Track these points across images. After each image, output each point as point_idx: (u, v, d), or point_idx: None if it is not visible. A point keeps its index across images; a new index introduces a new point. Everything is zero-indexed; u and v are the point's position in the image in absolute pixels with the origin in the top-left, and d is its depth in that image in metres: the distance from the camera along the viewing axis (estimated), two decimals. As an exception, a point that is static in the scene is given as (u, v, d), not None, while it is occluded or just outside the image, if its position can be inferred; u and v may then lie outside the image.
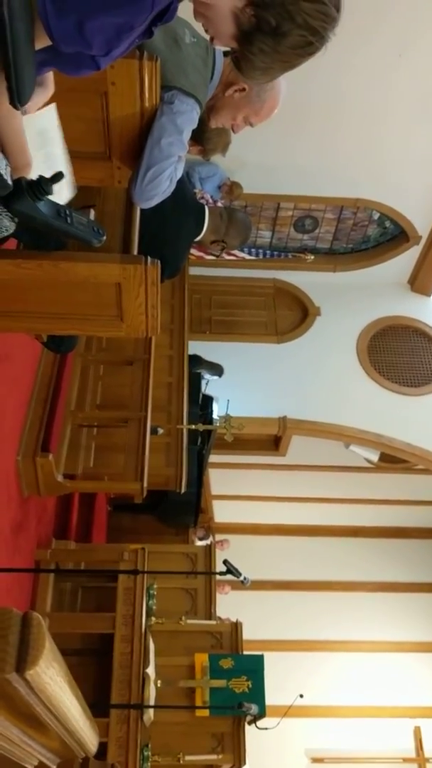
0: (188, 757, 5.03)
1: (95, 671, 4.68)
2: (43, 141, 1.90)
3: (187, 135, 2.23)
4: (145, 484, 4.98)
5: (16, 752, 1.15)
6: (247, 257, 7.92)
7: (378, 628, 9.94)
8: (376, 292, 8.87)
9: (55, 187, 1.62)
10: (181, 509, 7.62)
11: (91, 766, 1.74)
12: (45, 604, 4.88)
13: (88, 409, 5.34)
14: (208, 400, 7.31)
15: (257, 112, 2.35)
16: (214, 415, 7.09)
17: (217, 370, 7.91)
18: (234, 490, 9.97)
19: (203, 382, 7.54)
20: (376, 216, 8.48)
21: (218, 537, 9.58)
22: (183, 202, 2.90)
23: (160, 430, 5.83)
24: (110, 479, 5.06)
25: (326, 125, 6.92)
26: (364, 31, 5.74)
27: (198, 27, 1.69)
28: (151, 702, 4.65)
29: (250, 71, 1.65)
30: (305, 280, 8.97)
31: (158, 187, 2.23)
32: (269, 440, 9.24)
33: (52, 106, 1.93)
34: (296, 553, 10.25)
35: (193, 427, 6.24)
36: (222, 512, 10.31)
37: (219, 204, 6.45)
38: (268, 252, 8.36)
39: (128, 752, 4.33)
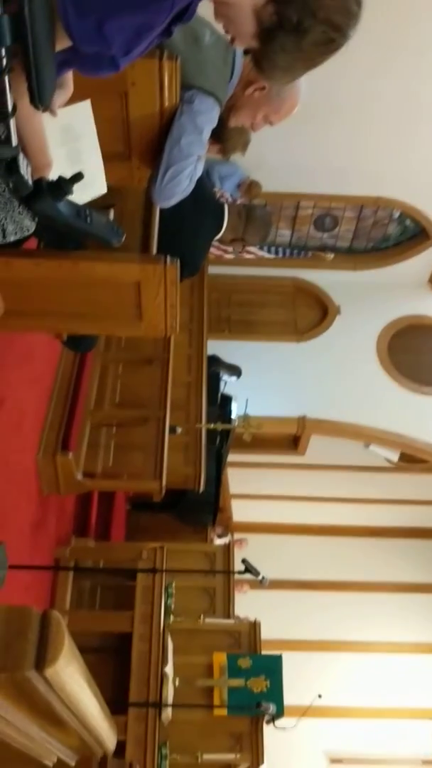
0: (206, 756, 5.04)
1: (114, 669, 4.69)
2: (67, 137, 1.91)
3: (206, 134, 2.24)
4: (164, 483, 4.99)
5: (36, 749, 1.16)
6: (267, 256, 7.91)
7: (398, 629, 9.87)
8: (397, 291, 8.81)
9: (88, 179, 1.62)
10: (199, 508, 7.62)
11: (110, 764, 1.74)
12: (64, 602, 4.91)
13: (107, 408, 5.36)
14: (227, 400, 7.31)
15: (277, 110, 2.34)
16: (233, 415, 7.08)
17: (235, 371, 7.90)
18: (252, 489, 9.96)
19: (222, 382, 7.54)
20: (396, 214, 8.42)
21: (237, 536, 9.57)
22: (202, 201, 2.90)
23: (179, 430, 5.84)
24: (129, 478, 5.07)
25: (347, 124, 6.88)
26: (394, 30, 5.70)
27: (218, 26, 1.68)
28: (170, 700, 4.66)
29: (271, 70, 1.64)
30: (325, 279, 8.93)
31: (178, 186, 2.24)
32: (288, 440, 9.22)
33: (87, 103, 1.94)
34: (315, 553, 10.21)
35: (212, 426, 6.24)
36: (240, 511, 10.30)
37: (238, 203, 6.44)
38: (287, 251, 8.34)
39: (146, 750, 4.34)
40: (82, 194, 1.76)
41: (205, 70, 2.18)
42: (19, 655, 0.78)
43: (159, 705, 4.47)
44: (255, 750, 5.18)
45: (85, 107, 1.95)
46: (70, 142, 1.97)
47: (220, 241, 3.26)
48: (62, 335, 3.23)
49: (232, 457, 8.17)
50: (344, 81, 5.94)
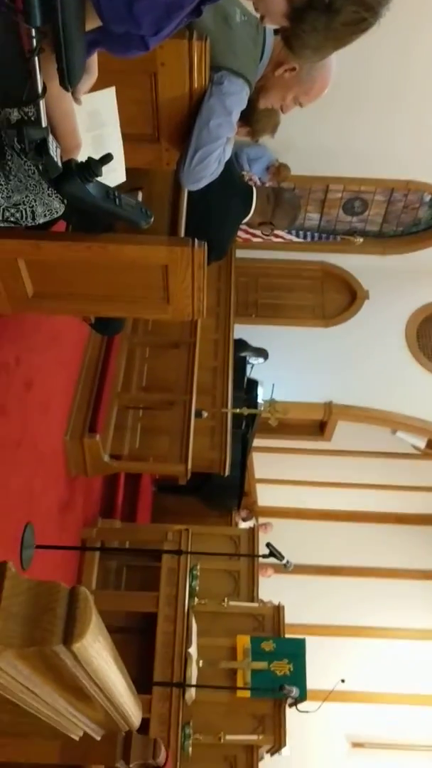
0: (229, 737, 5.09)
1: (138, 649, 4.76)
2: (93, 122, 1.90)
3: (236, 116, 2.21)
4: (189, 467, 5.01)
5: (63, 722, 1.18)
6: (295, 240, 7.85)
7: (421, 616, 9.84)
8: (427, 276, 8.69)
9: (109, 166, 1.62)
10: (224, 492, 7.65)
11: (134, 740, 1.77)
12: (90, 581, 4.98)
13: (134, 392, 5.39)
14: (253, 384, 7.30)
15: (307, 91, 2.31)
16: (259, 400, 7.07)
17: (262, 354, 7.88)
18: (278, 474, 9.96)
19: (248, 366, 7.53)
20: (427, 198, 8.29)
21: (261, 520, 9.60)
22: (231, 184, 2.88)
23: (205, 414, 5.85)
24: (155, 461, 5.11)
25: (378, 106, 6.78)
26: (427, 10, 5.59)
27: (248, 5, 1.67)
28: (193, 681, 4.71)
29: (301, 50, 1.62)
30: (354, 263, 8.84)
31: (206, 168, 2.22)
32: (314, 425, 9.19)
33: (111, 90, 1.93)
34: (340, 538, 10.20)
35: (238, 411, 6.24)
36: (265, 496, 10.32)
37: (267, 186, 6.39)
38: (316, 235, 8.26)
39: (170, 729, 4.40)
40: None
41: (235, 51, 2.15)
42: (47, 629, 0.79)
43: (183, 685, 4.52)
44: (277, 732, 5.22)
45: (110, 94, 1.94)
46: (95, 128, 1.97)
47: (248, 224, 3.24)
48: (90, 318, 3.24)
49: (257, 442, 8.18)
50: (376, 62, 5.85)
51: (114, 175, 2.11)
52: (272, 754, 5.72)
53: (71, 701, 1.08)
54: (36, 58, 1.33)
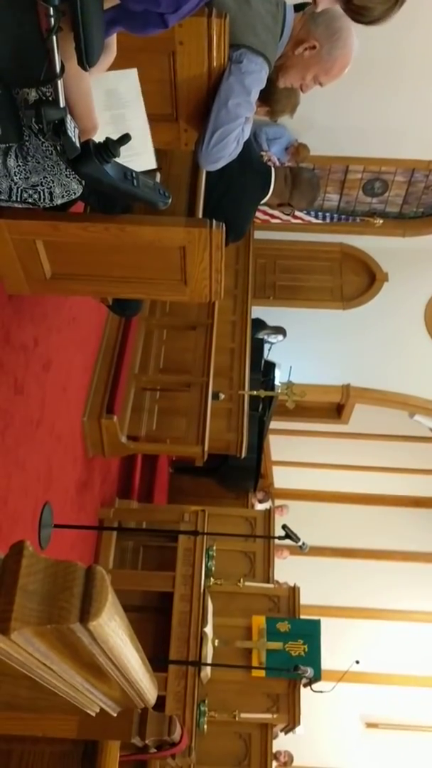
0: (243, 715, 5.16)
1: (154, 628, 4.81)
2: (111, 101, 1.89)
3: (254, 96, 2.19)
4: (206, 448, 5.02)
5: (80, 699, 1.20)
6: (314, 221, 7.78)
7: (437, 599, 9.86)
8: (447, 258, 8.59)
9: (135, 148, 1.61)
10: (241, 474, 7.66)
11: (150, 717, 1.80)
12: (107, 560, 5.03)
13: (151, 373, 5.40)
14: (270, 367, 7.28)
15: (327, 70, 2.27)
16: (276, 382, 7.05)
17: (280, 332, 7.86)
18: (294, 456, 9.97)
19: (266, 348, 7.51)
20: (449, 179, 8.17)
21: (277, 502, 9.63)
22: (249, 164, 2.85)
23: (222, 396, 5.85)
24: (172, 442, 5.12)
25: (400, 84, 6.67)
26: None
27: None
28: (209, 660, 4.76)
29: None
30: (373, 244, 8.75)
31: (225, 149, 2.20)
32: (332, 408, 9.17)
33: (133, 72, 1.91)
34: (356, 521, 10.21)
35: (255, 393, 6.24)
36: (282, 478, 10.34)
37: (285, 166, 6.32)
38: (335, 216, 8.18)
39: (185, 706, 4.46)
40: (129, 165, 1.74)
41: (254, 29, 2.12)
42: (64, 608, 0.80)
43: (198, 664, 4.57)
44: (292, 711, 5.28)
45: (131, 75, 1.92)
46: (114, 108, 1.96)
47: (267, 205, 3.21)
48: (108, 299, 3.25)
49: (274, 424, 8.18)
50: (397, 39, 5.74)
51: (141, 159, 2.09)
52: (286, 733, 5.79)
53: (88, 678, 1.09)
54: (54, 38, 1.32)
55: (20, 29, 1.34)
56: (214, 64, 2.06)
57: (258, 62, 2.13)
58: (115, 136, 1.61)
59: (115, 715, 1.48)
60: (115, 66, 1.81)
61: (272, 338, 7.71)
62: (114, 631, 0.89)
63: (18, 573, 0.81)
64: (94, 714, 1.38)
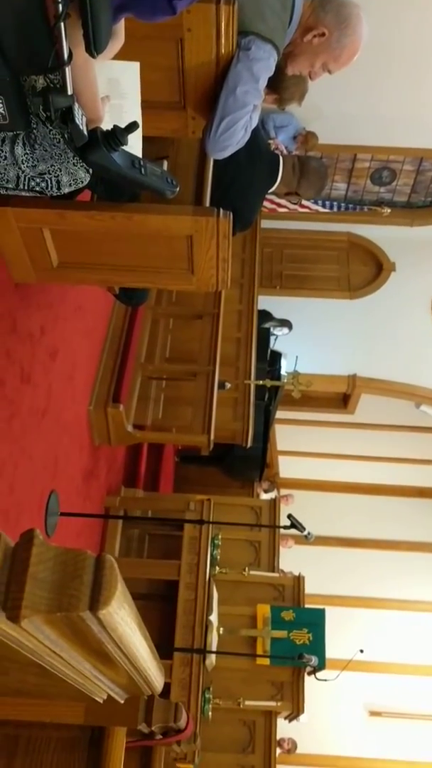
0: (248, 702, 5.19)
1: (160, 616, 4.84)
2: (111, 90, 1.88)
3: (263, 83, 2.17)
4: (212, 437, 5.03)
5: (88, 685, 1.21)
6: (321, 210, 7.74)
7: (442, 589, 9.87)
8: (455, 247, 8.55)
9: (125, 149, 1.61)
10: (246, 463, 7.68)
11: (156, 703, 1.82)
12: (113, 549, 5.06)
13: (157, 362, 5.40)
14: (277, 356, 7.28)
15: (336, 58, 2.25)
16: (282, 371, 7.05)
17: (285, 324, 7.85)
18: (300, 446, 9.97)
19: (272, 338, 7.50)
20: (457, 167, 8.12)
21: (283, 492, 9.64)
22: (257, 153, 2.84)
23: (228, 385, 5.85)
24: (178, 431, 5.13)
25: (410, 72, 6.61)
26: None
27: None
28: (213, 648, 4.79)
29: None
30: (380, 234, 8.71)
31: (232, 137, 2.18)
32: (338, 398, 9.16)
33: (135, 65, 1.90)
34: (361, 511, 10.22)
35: (261, 382, 6.23)
36: (287, 468, 10.35)
37: (293, 154, 6.29)
38: (342, 205, 8.13)
39: (190, 693, 4.49)
40: None
41: (263, 15, 2.10)
42: (74, 596, 0.81)
43: (203, 651, 4.60)
44: (296, 699, 5.31)
45: (133, 68, 1.91)
46: (113, 97, 1.94)
47: (274, 194, 3.19)
48: (114, 288, 3.25)
49: (280, 414, 8.18)
50: (406, 27, 5.69)
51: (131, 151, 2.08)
52: (290, 721, 5.82)
53: (96, 665, 1.10)
54: (62, 24, 1.31)
55: (28, 16, 1.33)
56: (223, 51, 2.04)
57: (266, 49, 2.11)
58: (110, 126, 1.60)
59: (122, 701, 1.49)
60: (122, 53, 1.80)
61: (278, 330, 7.70)
62: (123, 620, 0.89)
63: (28, 561, 0.81)
64: (101, 701, 1.39)
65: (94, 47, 1.37)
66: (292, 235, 8.73)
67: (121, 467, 5.87)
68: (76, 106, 1.52)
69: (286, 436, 9.67)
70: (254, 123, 2.26)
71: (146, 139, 2.35)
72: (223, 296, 5.69)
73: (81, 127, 1.55)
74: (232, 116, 2.14)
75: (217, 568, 5.25)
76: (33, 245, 2.38)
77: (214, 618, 4.87)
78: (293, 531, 4.61)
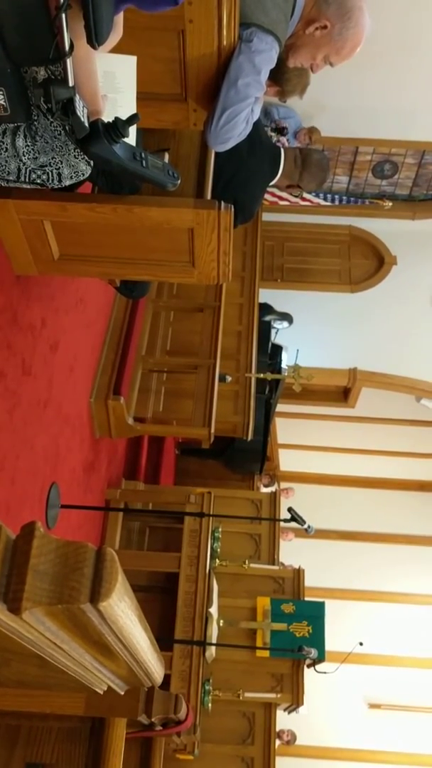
0: (247, 694, 5.21)
1: (160, 608, 4.85)
2: (107, 84, 1.87)
3: (264, 75, 2.16)
4: (213, 430, 5.04)
5: (88, 677, 1.22)
6: (323, 203, 7.73)
7: (441, 582, 9.90)
8: (457, 241, 8.52)
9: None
10: (247, 456, 7.68)
11: (156, 695, 1.83)
12: (114, 541, 5.07)
13: (158, 355, 5.40)
14: (278, 350, 7.27)
15: (338, 50, 2.24)
16: (283, 365, 7.05)
17: (286, 318, 7.84)
18: (301, 439, 9.98)
19: (273, 331, 7.50)
20: (460, 160, 8.09)
21: (283, 485, 9.65)
22: (258, 145, 2.83)
23: (229, 378, 5.85)
24: (179, 424, 5.14)
25: (411, 64, 6.58)
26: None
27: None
28: (213, 640, 4.81)
29: None
30: (382, 227, 8.68)
31: (234, 129, 2.18)
32: (338, 391, 9.16)
33: (132, 59, 1.89)
34: (361, 504, 10.23)
35: (262, 376, 6.23)
36: (288, 461, 10.36)
37: (295, 147, 6.27)
38: (344, 198, 8.12)
39: (190, 685, 4.51)
40: None
41: (265, 7, 2.09)
42: (74, 588, 0.81)
43: (203, 643, 4.61)
44: (295, 691, 5.33)
45: (130, 62, 1.90)
46: (108, 91, 1.94)
47: (276, 186, 3.18)
48: (116, 281, 3.24)
49: (281, 407, 8.18)
50: (406, 19, 5.66)
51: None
52: (290, 713, 5.85)
53: (97, 657, 1.11)
54: (63, 15, 1.30)
55: (29, 6, 1.33)
56: (224, 42, 2.03)
57: (268, 41, 2.10)
58: (106, 119, 1.60)
59: (122, 693, 1.50)
60: (123, 44, 1.79)
61: (279, 323, 7.69)
62: (123, 612, 0.89)
63: (29, 553, 0.81)
64: (101, 692, 1.40)
65: (95, 38, 1.36)
66: (294, 228, 8.71)
67: (121, 460, 5.88)
68: (77, 97, 1.51)
69: (286, 429, 9.67)
70: (256, 115, 2.26)
71: (147, 131, 2.35)
72: (224, 289, 5.69)
73: (82, 118, 1.55)
74: (234, 108, 2.13)
75: (218, 560, 5.27)
76: (34, 237, 2.37)
77: (214, 610, 4.89)
78: (293, 524, 4.62)
